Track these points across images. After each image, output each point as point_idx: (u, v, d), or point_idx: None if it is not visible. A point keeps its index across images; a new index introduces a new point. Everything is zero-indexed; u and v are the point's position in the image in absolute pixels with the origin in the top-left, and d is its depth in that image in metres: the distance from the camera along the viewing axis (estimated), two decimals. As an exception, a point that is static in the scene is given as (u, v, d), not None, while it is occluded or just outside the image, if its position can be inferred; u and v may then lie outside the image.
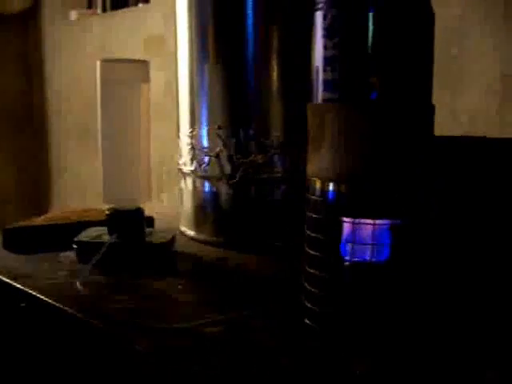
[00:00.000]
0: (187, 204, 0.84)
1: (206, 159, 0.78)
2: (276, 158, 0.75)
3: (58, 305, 0.60)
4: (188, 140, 0.80)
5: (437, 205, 0.53)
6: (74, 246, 0.73)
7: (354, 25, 0.47)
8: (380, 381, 0.45)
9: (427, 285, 0.51)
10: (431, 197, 0.51)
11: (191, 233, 0.83)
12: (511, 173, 0.54)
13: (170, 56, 1.27)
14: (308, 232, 0.52)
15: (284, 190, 0.77)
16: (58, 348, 0.63)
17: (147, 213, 0.77)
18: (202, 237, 0.82)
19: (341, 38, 0.48)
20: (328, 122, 0.49)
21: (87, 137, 1.71)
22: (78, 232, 0.76)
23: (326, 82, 0.49)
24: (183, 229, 0.85)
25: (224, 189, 0.77)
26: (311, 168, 0.51)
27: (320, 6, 0.49)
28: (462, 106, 0.87)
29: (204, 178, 0.79)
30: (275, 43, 0.75)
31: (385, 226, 0.49)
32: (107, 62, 0.72)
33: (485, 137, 0.57)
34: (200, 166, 0.78)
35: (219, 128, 0.76)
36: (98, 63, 0.71)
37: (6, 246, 0.79)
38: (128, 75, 0.72)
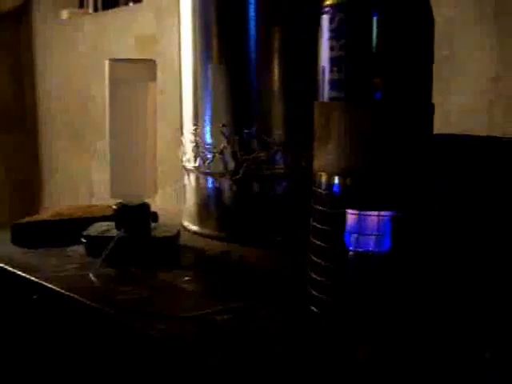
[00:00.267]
0: (190, 200, 0.86)
1: (210, 156, 0.80)
2: (278, 155, 0.78)
3: (71, 295, 0.62)
4: (192, 137, 0.82)
5: (437, 198, 0.55)
6: (84, 241, 0.76)
7: (359, 28, 0.50)
8: (381, 366, 0.47)
9: (428, 274, 0.54)
10: (431, 190, 0.54)
11: (194, 228, 0.86)
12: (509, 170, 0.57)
13: (163, 55, 1.29)
14: (314, 223, 0.55)
15: (285, 186, 0.79)
16: (71, 338, 0.65)
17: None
18: (205, 231, 0.84)
19: (347, 40, 0.51)
20: (334, 119, 0.52)
21: (79, 136, 1.71)
22: (84, 227, 0.78)
23: (332, 82, 0.52)
24: (186, 224, 0.88)
25: (227, 185, 0.80)
26: (318, 163, 0.54)
27: (327, 9, 0.52)
28: (452, 107, 0.91)
29: (208, 174, 0.82)
30: (277, 44, 0.77)
31: (387, 218, 0.52)
32: (115, 62, 0.74)
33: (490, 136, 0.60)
34: (204, 162, 0.81)
35: (223, 126, 0.78)
36: (107, 63, 0.74)
37: (15, 241, 0.81)
38: (135, 74, 0.74)
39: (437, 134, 0.56)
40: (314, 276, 0.55)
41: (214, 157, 0.80)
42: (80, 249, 0.77)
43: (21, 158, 1.92)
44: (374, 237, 0.52)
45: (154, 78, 0.76)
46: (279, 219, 0.81)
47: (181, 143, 0.86)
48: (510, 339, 0.51)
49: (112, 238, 0.73)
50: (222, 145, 0.79)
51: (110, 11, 1.62)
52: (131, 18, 1.49)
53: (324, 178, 0.53)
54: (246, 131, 0.78)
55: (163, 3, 1.36)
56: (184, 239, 0.81)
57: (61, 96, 1.78)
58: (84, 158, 1.70)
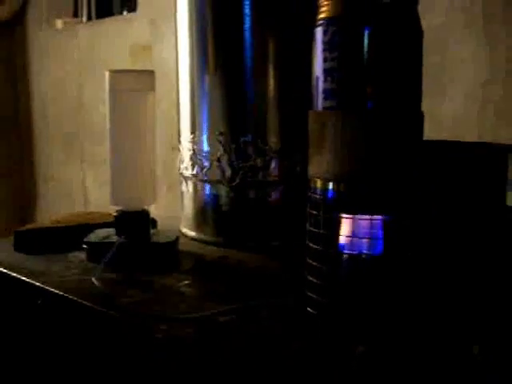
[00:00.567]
0: (188, 206, 0.88)
1: (207, 163, 0.82)
2: (274, 162, 0.80)
3: (75, 299, 0.64)
4: (189, 146, 0.84)
5: (430, 202, 0.58)
6: (85, 247, 0.78)
7: (351, 40, 0.53)
8: (376, 360, 0.50)
9: (419, 275, 0.56)
10: (424, 194, 0.56)
11: (192, 233, 0.88)
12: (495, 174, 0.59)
13: (158, 64, 1.31)
14: (310, 228, 0.57)
15: (281, 192, 0.82)
16: (75, 340, 0.67)
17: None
18: (202, 237, 0.86)
19: (339, 51, 0.53)
20: (328, 127, 0.54)
21: (72, 143, 1.73)
22: (84, 233, 0.80)
23: (326, 91, 0.54)
24: (184, 230, 0.90)
25: (224, 191, 0.82)
26: (312, 169, 0.56)
27: (320, 22, 0.54)
28: (442, 112, 0.93)
29: (205, 181, 0.84)
30: (272, 54, 0.80)
31: (379, 222, 0.54)
32: (115, 73, 0.77)
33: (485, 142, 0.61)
34: (201, 170, 0.83)
35: (220, 134, 0.81)
36: (107, 74, 0.76)
37: (17, 248, 0.83)
38: (135, 85, 0.76)
39: (427, 141, 0.58)
40: (310, 278, 0.57)
41: (211, 164, 0.82)
42: (81, 255, 0.79)
43: (14, 165, 1.93)
44: (367, 240, 0.54)
45: (153, 87, 0.78)
46: (275, 224, 0.83)
47: (178, 151, 0.88)
48: (502, 337, 0.53)
49: (113, 243, 0.75)
50: (219, 153, 0.81)
51: (104, 20, 1.63)
52: (125, 27, 1.50)
53: (319, 184, 0.55)
54: (242, 139, 0.80)
55: (157, 12, 1.38)
56: (182, 244, 0.83)
57: (55, 103, 1.79)
58: (77, 164, 1.71)
